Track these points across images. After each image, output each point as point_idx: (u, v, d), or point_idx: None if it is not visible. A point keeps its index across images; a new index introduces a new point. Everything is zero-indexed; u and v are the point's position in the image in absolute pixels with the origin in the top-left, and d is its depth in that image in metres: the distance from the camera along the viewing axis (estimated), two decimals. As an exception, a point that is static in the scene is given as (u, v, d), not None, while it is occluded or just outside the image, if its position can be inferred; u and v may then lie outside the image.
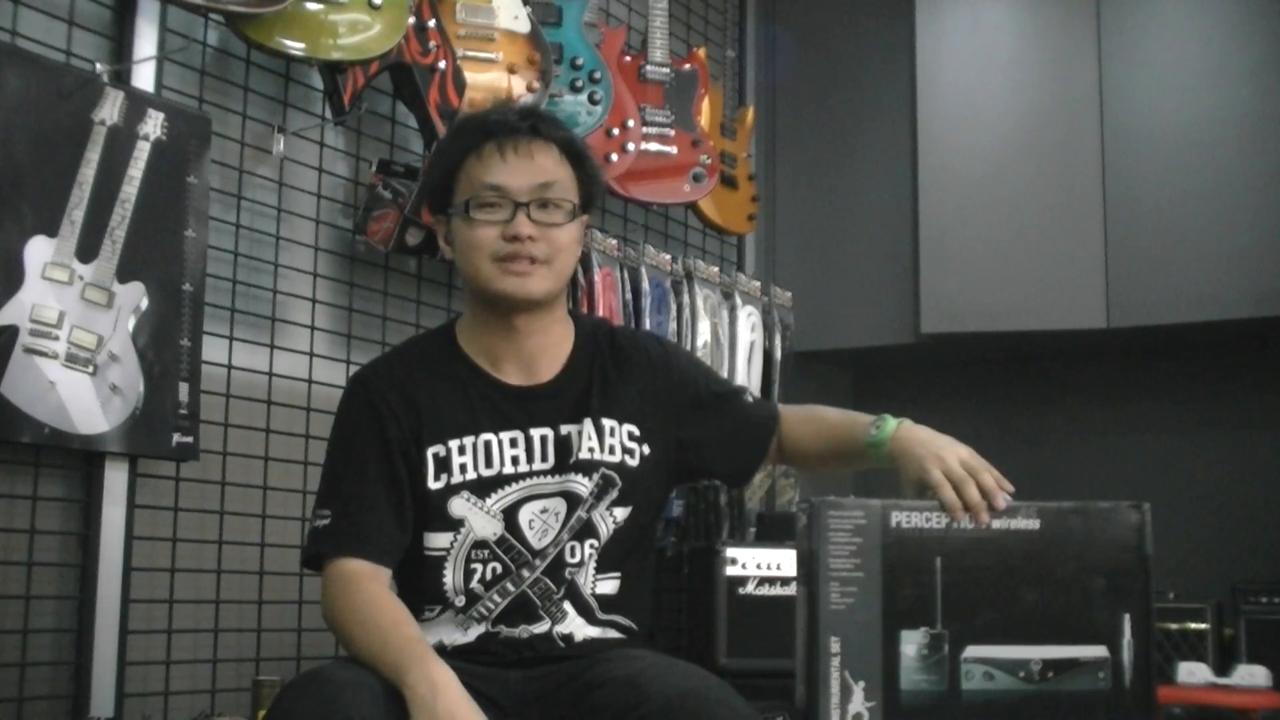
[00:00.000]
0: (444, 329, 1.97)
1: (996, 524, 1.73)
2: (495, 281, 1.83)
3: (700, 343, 3.54)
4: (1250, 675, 3.09)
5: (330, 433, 1.91)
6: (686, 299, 3.53)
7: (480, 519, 1.81)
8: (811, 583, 1.69)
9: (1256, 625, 3.61)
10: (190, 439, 2.47)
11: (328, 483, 1.86)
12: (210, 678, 2.56)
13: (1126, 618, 1.72)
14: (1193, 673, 3.14)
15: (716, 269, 3.71)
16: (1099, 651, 1.71)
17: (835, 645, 1.67)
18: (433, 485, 1.81)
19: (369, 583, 1.77)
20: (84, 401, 2.30)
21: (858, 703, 1.66)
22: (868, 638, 1.68)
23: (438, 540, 1.81)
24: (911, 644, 1.68)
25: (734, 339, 3.68)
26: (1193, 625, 3.70)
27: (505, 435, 1.84)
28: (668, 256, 3.51)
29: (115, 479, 2.39)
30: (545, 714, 1.74)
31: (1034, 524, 1.74)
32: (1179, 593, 3.76)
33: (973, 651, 1.69)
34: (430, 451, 1.82)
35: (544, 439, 1.85)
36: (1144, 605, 1.73)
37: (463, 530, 1.81)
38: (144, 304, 2.40)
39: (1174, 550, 4.10)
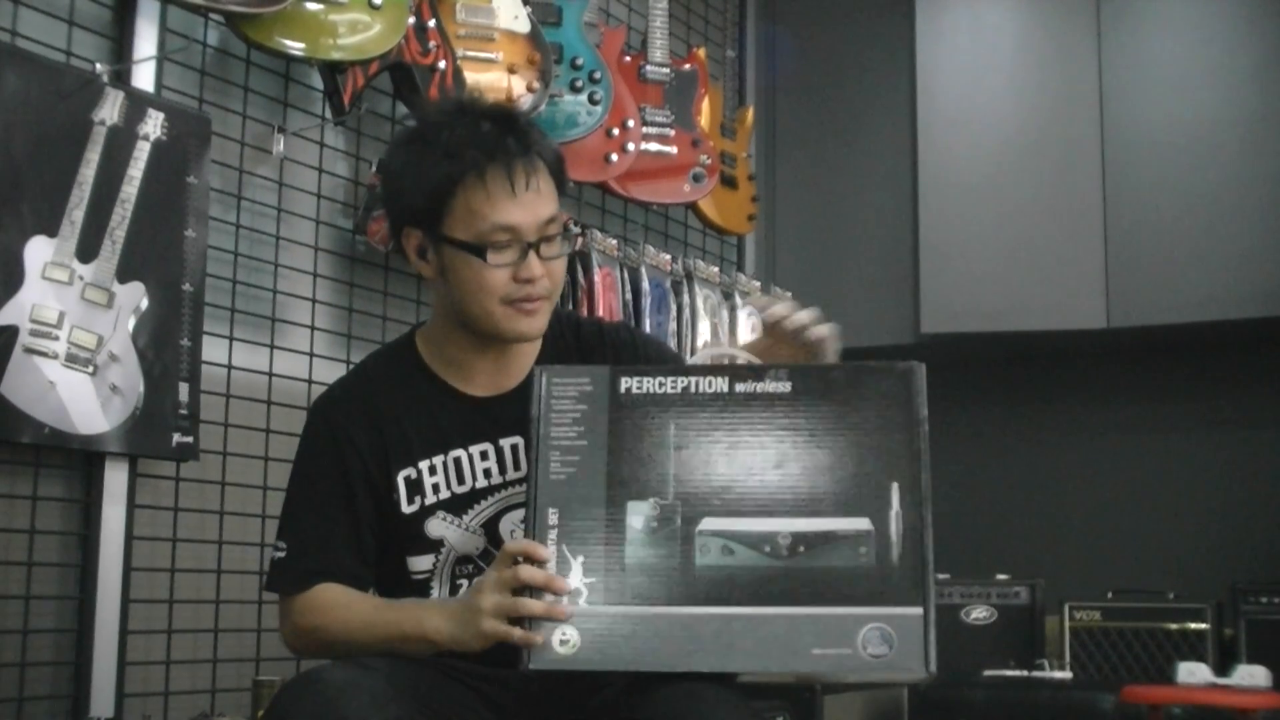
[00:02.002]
0: (404, 342, 1.91)
1: (741, 388, 1.59)
2: (504, 324, 1.77)
3: (700, 343, 3.54)
4: (1250, 675, 3.10)
5: (293, 461, 1.88)
6: (686, 299, 3.53)
7: (460, 537, 1.78)
8: (531, 453, 1.60)
9: (1256, 625, 3.61)
10: (190, 439, 2.47)
11: (286, 514, 1.83)
12: (210, 678, 2.57)
13: (895, 486, 1.54)
14: (1193, 673, 3.15)
15: (716, 269, 3.71)
16: (860, 524, 1.53)
17: (553, 517, 1.57)
18: (406, 509, 1.78)
19: (334, 597, 1.75)
20: (84, 401, 2.30)
21: (575, 578, 1.54)
22: (589, 509, 1.56)
23: (421, 563, 1.79)
24: (639, 516, 1.55)
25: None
26: (1193, 625, 3.70)
27: (475, 449, 1.80)
28: (668, 256, 3.52)
29: (115, 479, 2.39)
30: (546, 715, 1.74)
31: (784, 387, 1.58)
32: (1179, 593, 3.76)
33: (709, 524, 1.55)
34: (400, 476, 1.78)
35: (515, 448, 1.80)
36: (916, 474, 1.54)
37: (444, 550, 1.79)
38: (144, 304, 2.40)
39: (1174, 550, 4.13)
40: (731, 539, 1.54)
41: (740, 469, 1.56)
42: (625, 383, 1.60)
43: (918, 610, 1.52)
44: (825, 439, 1.56)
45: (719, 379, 1.60)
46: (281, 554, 1.79)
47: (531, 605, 1.55)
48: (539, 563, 1.55)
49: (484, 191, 1.73)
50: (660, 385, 1.60)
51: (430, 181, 1.75)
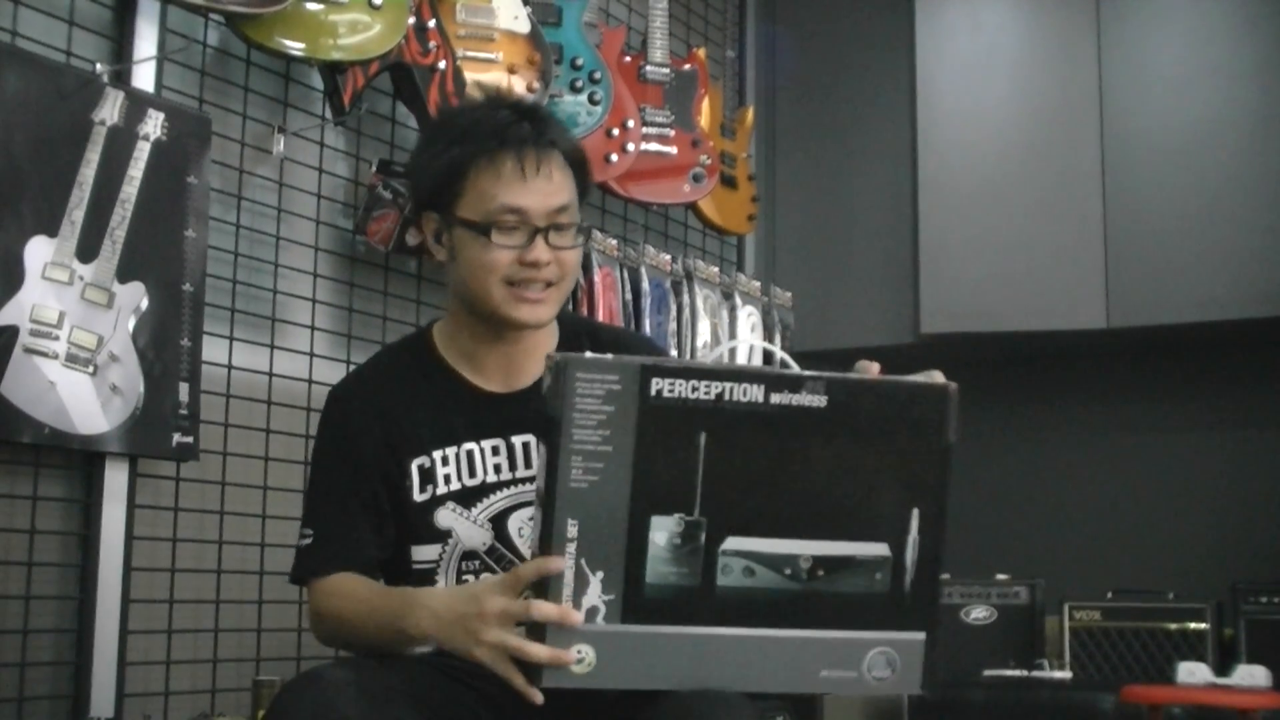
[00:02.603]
0: (420, 335, 1.94)
1: (776, 399, 1.49)
2: (506, 307, 1.79)
3: (700, 343, 3.54)
4: (1250, 675, 3.10)
5: (311, 451, 1.91)
6: (686, 299, 3.53)
7: (468, 529, 1.80)
8: (552, 455, 1.47)
9: (1256, 625, 3.61)
10: (190, 439, 2.47)
11: (309, 503, 1.86)
12: (210, 678, 2.57)
13: (915, 513, 1.52)
14: (1193, 673, 3.14)
15: (716, 269, 3.71)
16: (879, 549, 1.52)
17: (573, 529, 1.46)
18: (418, 497, 1.80)
19: (345, 586, 1.78)
20: (84, 401, 2.30)
21: (594, 595, 1.47)
22: (611, 523, 1.47)
23: (426, 553, 1.80)
24: (663, 531, 1.47)
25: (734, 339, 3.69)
26: (1193, 625, 3.70)
27: (486, 444, 1.82)
28: (668, 256, 3.52)
29: (115, 479, 2.39)
30: (548, 715, 1.74)
31: (820, 401, 1.49)
32: (1179, 593, 3.76)
33: (733, 543, 1.49)
34: (414, 464, 1.80)
35: (526, 446, 1.82)
36: (937, 500, 1.52)
37: (450, 541, 1.80)
38: (144, 304, 2.40)
39: (1174, 550, 4.13)
40: (754, 560, 1.50)
41: (768, 486, 1.51)
42: (656, 384, 1.47)
43: (921, 635, 1.54)
44: (855, 459, 1.52)
45: (755, 387, 1.49)
46: (308, 540, 1.82)
47: (536, 652, 1.50)
48: (554, 576, 1.48)
49: (494, 173, 1.76)
50: (694, 390, 1.48)
51: (445, 164, 1.79)
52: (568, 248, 1.80)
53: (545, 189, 1.77)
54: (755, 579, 1.50)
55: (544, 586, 1.49)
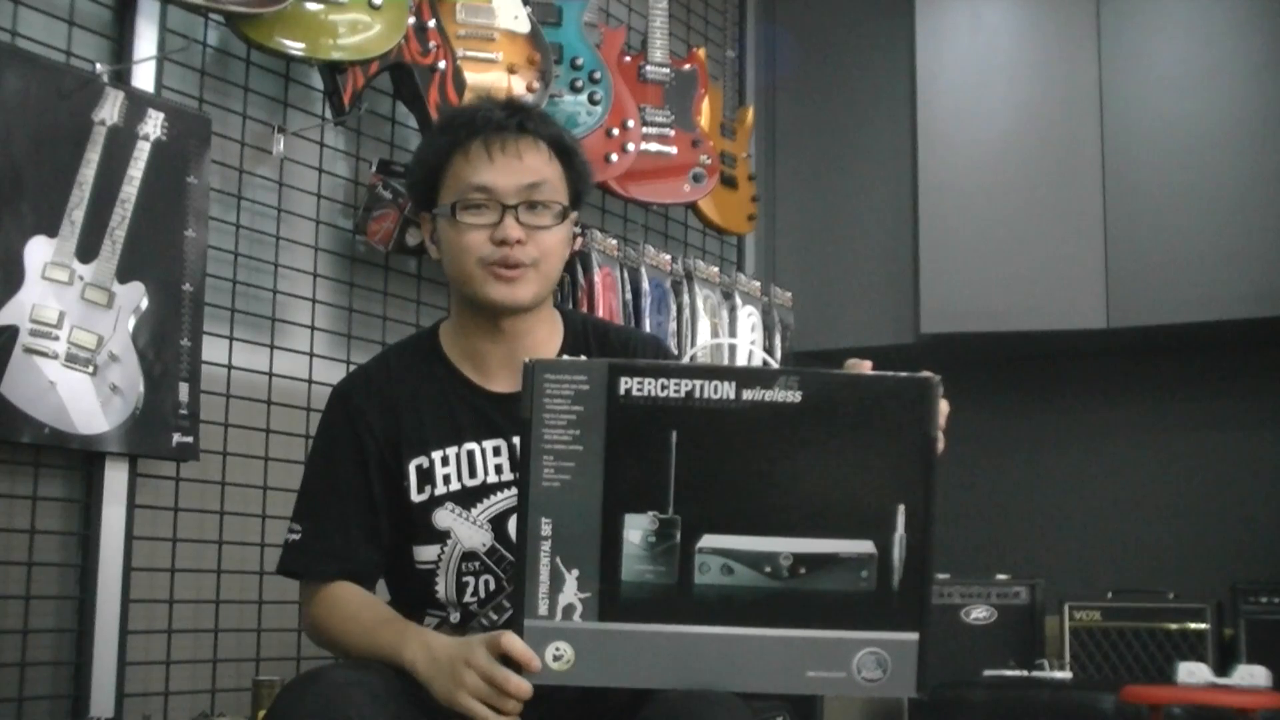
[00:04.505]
0: (428, 333, 1.95)
1: (749, 394, 1.49)
2: (483, 287, 1.80)
3: (700, 343, 3.54)
4: (1250, 675, 3.09)
5: (311, 445, 1.91)
6: (686, 299, 3.53)
7: (467, 530, 1.80)
8: (524, 456, 1.50)
9: (1256, 625, 3.60)
10: (190, 439, 2.47)
11: (304, 497, 1.86)
12: (210, 678, 2.57)
13: (901, 509, 1.50)
14: (1193, 673, 3.14)
15: (716, 269, 3.71)
16: (863, 547, 1.50)
17: (546, 527, 1.49)
18: (416, 498, 1.80)
19: (343, 599, 1.79)
20: (84, 401, 2.30)
21: (569, 593, 1.49)
22: (584, 521, 1.49)
23: (426, 553, 1.80)
24: (637, 530, 1.49)
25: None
26: (1193, 625, 3.70)
27: (488, 444, 1.82)
28: (668, 256, 3.51)
29: (115, 479, 2.39)
30: (548, 715, 1.74)
31: (794, 396, 1.49)
32: (1179, 593, 3.76)
33: (710, 541, 1.49)
34: (412, 464, 1.81)
35: None
36: (924, 496, 1.50)
37: (450, 541, 1.80)
38: (144, 304, 2.40)
39: (1174, 550, 4.13)
40: (732, 558, 1.50)
41: (743, 483, 1.50)
42: (625, 383, 1.49)
43: (914, 636, 1.52)
44: (833, 455, 1.51)
45: (725, 384, 1.50)
46: (296, 536, 1.82)
47: (507, 680, 1.54)
48: (530, 574, 1.51)
49: (464, 157, 1.80)
50: (663, 388, 1.49)
51: (428, 160, 1.84)
52: (542, 227, 1.81)
53: (514, 167, 1.79)
54: (734, 577, 1.50)
55: (520, 582, 1.51)
